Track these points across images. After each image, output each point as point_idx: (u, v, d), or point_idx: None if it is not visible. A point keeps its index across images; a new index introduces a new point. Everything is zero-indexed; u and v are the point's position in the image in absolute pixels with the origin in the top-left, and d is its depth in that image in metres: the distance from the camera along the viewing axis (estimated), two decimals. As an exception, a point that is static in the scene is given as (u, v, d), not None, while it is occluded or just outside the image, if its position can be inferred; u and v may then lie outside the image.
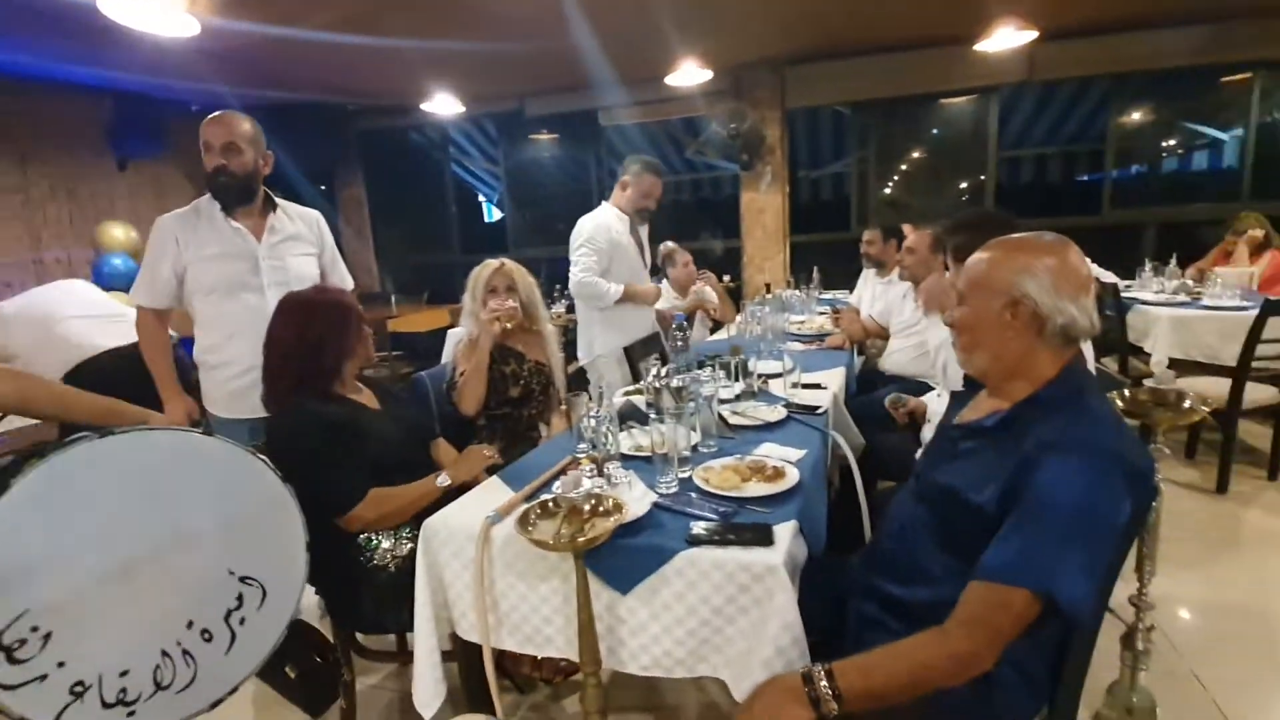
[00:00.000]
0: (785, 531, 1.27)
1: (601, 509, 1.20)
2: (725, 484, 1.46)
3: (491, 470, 1.75)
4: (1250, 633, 2.14)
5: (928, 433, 2.06)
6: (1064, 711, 1.16)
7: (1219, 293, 3.57)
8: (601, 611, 1.28)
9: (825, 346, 3.10)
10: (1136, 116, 5.35)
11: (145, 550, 1.28)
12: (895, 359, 3.06)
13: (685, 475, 1.56)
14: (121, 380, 1.88)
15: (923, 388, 2.86)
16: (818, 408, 2.05)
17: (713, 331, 3.93)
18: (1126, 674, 1.71)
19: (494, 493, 1.55)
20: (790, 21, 4.29)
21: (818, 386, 2.33)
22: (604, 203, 3.17)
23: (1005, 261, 1.13)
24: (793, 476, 1.48)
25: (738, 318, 4.01)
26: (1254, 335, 2.87)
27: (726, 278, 5.69)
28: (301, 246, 2.22)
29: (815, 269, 4.61)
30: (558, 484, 1.22)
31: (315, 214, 2.33)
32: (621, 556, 1.25)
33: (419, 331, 4.73)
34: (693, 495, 1.45)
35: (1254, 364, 2.93)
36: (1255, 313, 2.90)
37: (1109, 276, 3.94)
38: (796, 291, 4.23)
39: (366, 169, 6.87)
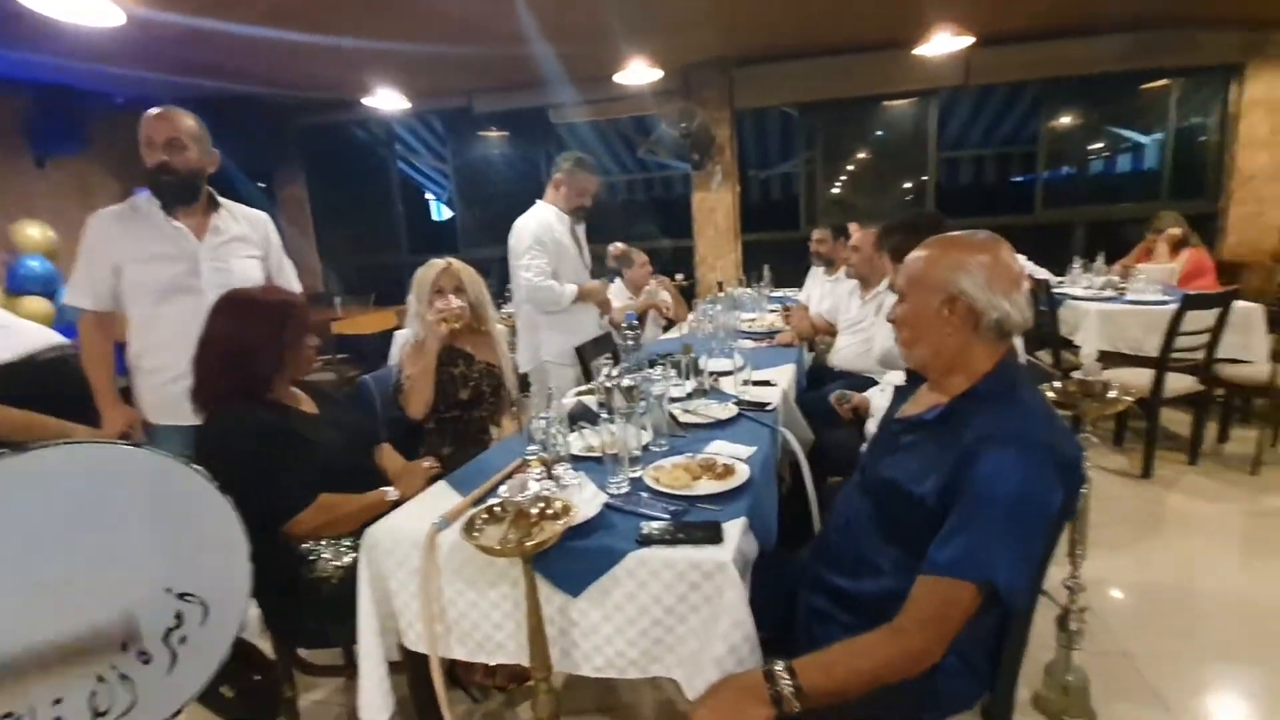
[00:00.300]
0: (735, 529, 1.28)
1: (550, 512, 1.18)
2: (676, 483, 1.46)
3: (436, 477, 1.71)
4: (1174, 609, 2.26)
5: (872, 427, 2.11)
6: (1004, 693, 1.20)
7: (1142, 288, 3.77)
8: (553, 615, 1.26)
9: (776, 344, 3.15)
10: (1066, 120, 5.60)
11: (71, 571, 1.21)
12: (843, 355, 3.12)
13: (636, 475, 1.55)
14: (18, 396, 1.77)
15: (869, 383, 2.92)
16: (768, 404, 2.07)
17: (665, 330, 3.95)
18: (1062, 654, 1.79)
19: (441, 498, 1.52)
20: (736, 23, 4.33)
21: (768, 384, 2.36)
22: (539, 202, 3.09)
23: (941, 259, 1.17)
24: (742, 474, 1.49)
25: (690, 316, 4.04)
26: (1174, 328, 3.04)
27: (679, 276, 5.73)
28: (246, 248, 2.14)
29: (766, 267, 4.68)
30: (504, 488, 1.20)
31: (263, 215, 2.26)
32: (572, 559, 1.24)
33: (365, 333, 4.61)
34: (643, 495, 1.44)
35: (1174, 355, 3.10)
36: (1175, 307, 3.07)
37: (1042, 273, 4.12)
38: (748, 290, 4.28)
39: (308, 166, 6.65)
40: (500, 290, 3.79)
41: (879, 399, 2.13)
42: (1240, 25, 4.58)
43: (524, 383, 2.96)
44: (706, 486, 1.45)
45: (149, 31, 3.79)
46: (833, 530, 1.34)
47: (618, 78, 4.81)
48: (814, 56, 5.13)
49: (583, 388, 2.44)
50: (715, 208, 5.65)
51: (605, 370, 2.11)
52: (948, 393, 1.19)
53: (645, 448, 1.72)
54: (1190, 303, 3.03)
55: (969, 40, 4.18)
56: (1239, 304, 3.21)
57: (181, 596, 1.37)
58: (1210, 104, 5.09)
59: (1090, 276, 4.17)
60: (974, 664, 1.18)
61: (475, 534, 1.12)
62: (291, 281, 2.31)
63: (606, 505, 1.37)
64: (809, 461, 1.98)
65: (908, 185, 6.26)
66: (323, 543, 1.64)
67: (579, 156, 3.04)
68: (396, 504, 1.63)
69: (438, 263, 2.28)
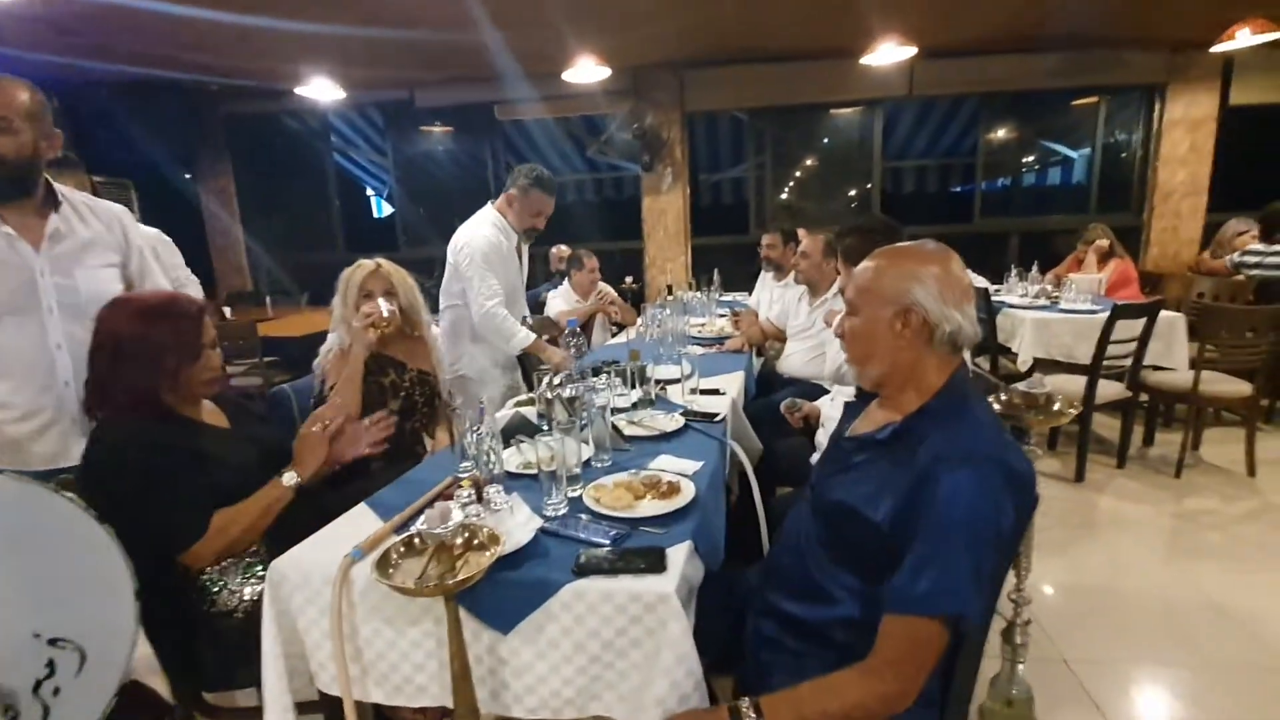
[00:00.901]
0: (679, 554, 1.19)
1: (476, 542, 1.07)
2: (617, 503, 1.37)
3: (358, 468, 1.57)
4: (1107, 611, 2.30)
5: (822, 437, 2.07)
6: (956, 716, 1.15)
7: (1073, 297, 3.90)
8: (481, 653, 1.15)
9: (725, 349, 3.10)
10: (1002, 133, 5.78)
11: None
12: (792, 361, 3.10)
13: (576, 494, 1.46)
14: None
15: (819, 390, 2.90)
16: (716, 415, 2.01)
17: (615, 335, 3.85)
18: (1006, 666, 1.77)
19: (359, 523, 1.38)
20: (685, 25, 4.28)
21: (717, 392, 2.30)
22: (490, 207, 2.81)
23: (892, 269, 1.12)
24: (688, 492, 1.41)
25: (639, 320, 3.96)
26: (1105, 336, 3.13)
27: (629, 279, 5.65)
28: (99, 255, 1.70)
29: (715, 271, 4.64)
30: (423, 518, 1.08)
31: (118, 209, 1.82)
32: (501, 593, 1.13)
33: (297, 336, 4.35)
34: (582, 518, 1.35)
35: (1105, 362, 3.19)
36: (1104, 315, 3.16)
37: (981, 281, 4.21)
38: (697, 293, 4.23)
39: (236, 157, 6.27)
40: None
41: (829, 408, 2.09)
42: (1163, 47, 4.81)
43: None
44: (650, 507, 1.36)
45: (52, 7, 3.48)
46: (782, 552, 1.27)
47: (566, 75, 4.69)
48: (764, 62, 5.14)
49: (522, 397, 2.33)
50: (666, 210, 5.60)
51: (546, 379, 2.03)
52: (900, 410, 1.14)
53: (586, 463, 1.63)
54: (1120, 312, 3.13)
55: (912, 50, 4.23)
56: (1163, 313, 3.34)
57: (53, 643, 1.21)
58: (1135, 122, 5.33)
59: (1025, 285, 4.28)
60: (928, 691, 1.12)
61: (390, 571, 1.01)
62: (162, 285, 1.89)
63: (541, 530, 1.27)
64: (758, 470, 1.92)
65: (853, 192, 6.35)
66: (226, 571, 1.48)
67: (539, 174, 2.74)
68: (302, 490, 1.50)
69: (366, 264, 2.13)
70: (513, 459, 1.67)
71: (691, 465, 1.61)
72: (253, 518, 1.49)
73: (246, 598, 1.44)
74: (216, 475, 1.48)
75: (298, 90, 4.89)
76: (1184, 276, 4.80)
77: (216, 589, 1.44)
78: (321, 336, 2.23)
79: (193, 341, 1.51)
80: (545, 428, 1.91)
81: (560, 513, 1.37)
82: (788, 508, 1.79)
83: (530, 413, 2.02)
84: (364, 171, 6.93)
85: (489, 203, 2.83)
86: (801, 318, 3.10)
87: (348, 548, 1.21)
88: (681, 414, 2.01)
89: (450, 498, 1.42)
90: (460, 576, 0.97)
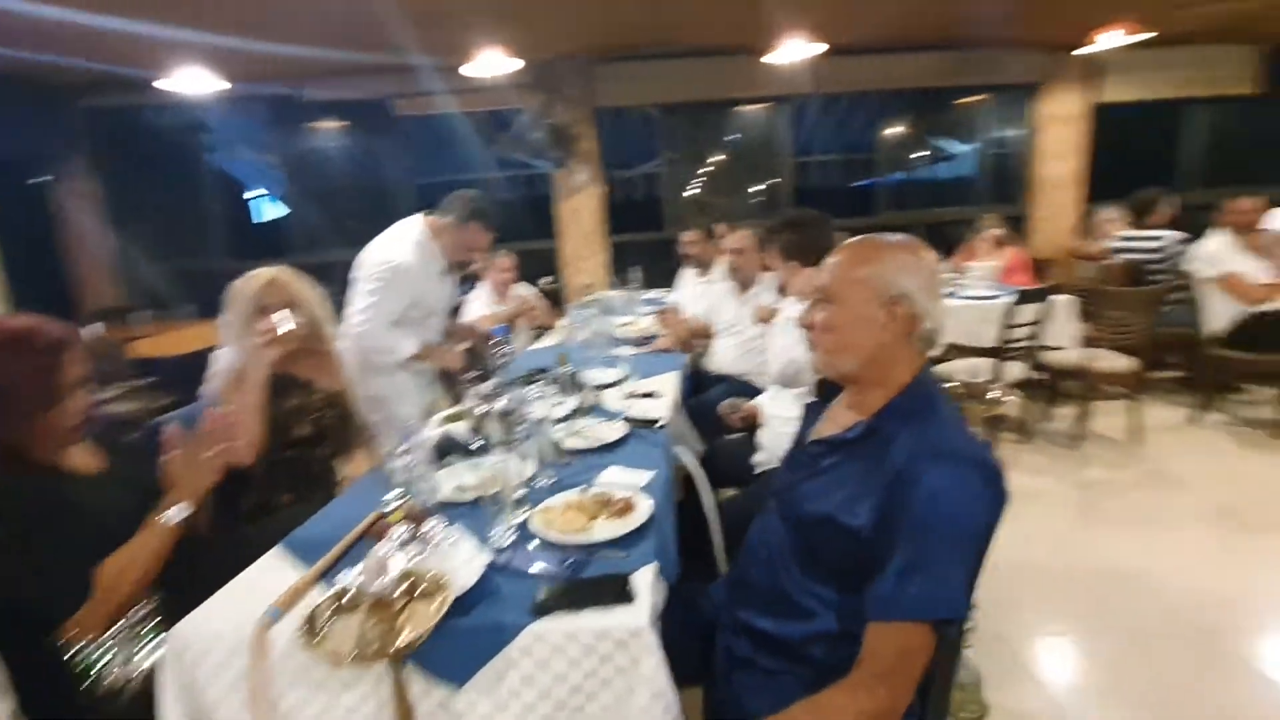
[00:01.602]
0: (645, 580, 1.11)
1: (419, 590, 0.94)
2: (570, 527, 1.27)
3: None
4: (1028, 583, 2.41)
5: (764, 436, 2.04)
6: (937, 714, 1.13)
7: (973, 284, 4.10)
8: (433, 710, 1.02)
9: (654, 349, 3.03)
10: (899, 130, 6.04)
11: None
12: (722, 358, 3.08)
13: (522, 517, 1.34)
14: None
15: (751, 387, 2.90)
16: (658, 421, 1.93)
17: (536, 339, 3.70)
18: (955, 651, 1.80)
19: (273, 573, 1.21)
20: (592, 19, 4.18)
21: (653, 395, 2.22)
22: (419, 223, 2.45)
23: (883, 259, 1.07)
24: (644, 509, 1.33)
25: (561, 322, 3.84)
26: (1009, 320, 3.30)
27: (546, 279, 5.49)
28: None
29: (638, 269, 4.56)
30: (357, 570, 0.93)
31: None
32: (452, 642, 1.00)
33: (181, 354, 3.91)
34: (532, 547, 1.23)
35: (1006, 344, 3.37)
36: (1004, 300, 3.34)
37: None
38: (620, 292, 4.14)
39: (98, 157, 5.58)
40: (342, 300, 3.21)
41: (771, 406, 2.06)
42: (1038, 49, 5.16)
43: None
44: (606, 528, 1.26)
45: None
46: (751, 566, 1.21)
47: (471, 69, 4.48)
48: (674, 58, 5.11)
49: (447, 412, 2.16)
50: (580, 208, 5.48)
51: (475, 391, 1.88)
52: (867, 408, 1.10)
53: (528, 482, 1.50)
54: (1025, 297, 3.31)
55: (819, 48, 4.33)
56: (1055, 297, 3.57)
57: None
58: (1016, 119, 5.70)
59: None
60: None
61: (321, 637, 0.86)
62: None
63: (490, 566, 1.14)
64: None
65: (763, 187, 6.47)
66: (113, 638, 1.26)
67: (481, 205, 2.42)
68: (191, 524, 1.29)
69: (262, 273, 1.89)
70: (445, 483, 1.52)
71: (642, 476, 1.53)
72: (136, 565, 1.27)
73: (139, 668, 1.22)
74: (92, 529, 1.25)
75: (168, 82, 4.40)
76: (1066, 262, 5.19)
77: (102, 663, 1.22)
78: (206, 353, 1.98)
79: (51, 383, 1.26)
80: (478, 446, 1.77)
81: (507, 542, 1.25)
82: (736, 511, 1.76)
83: (460, 430, 1.87)
84: (247, 172, 6.37)
85: (419, 216, 2.50)
86: (729, 314, 3.09)
87: (262, 604, 1.04)
88: (623, 421, 1.92)
89: (380, 535, 1.27)
90: (407, 638, 0.84)
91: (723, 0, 3.98)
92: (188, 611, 1.10)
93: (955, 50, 5.13)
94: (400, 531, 1.13)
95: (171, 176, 5.79)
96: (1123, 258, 4.39)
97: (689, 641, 1.24)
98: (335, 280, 2.84)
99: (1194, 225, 4.37)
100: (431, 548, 1.13)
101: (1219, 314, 3.64)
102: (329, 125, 5.89)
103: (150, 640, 1.26)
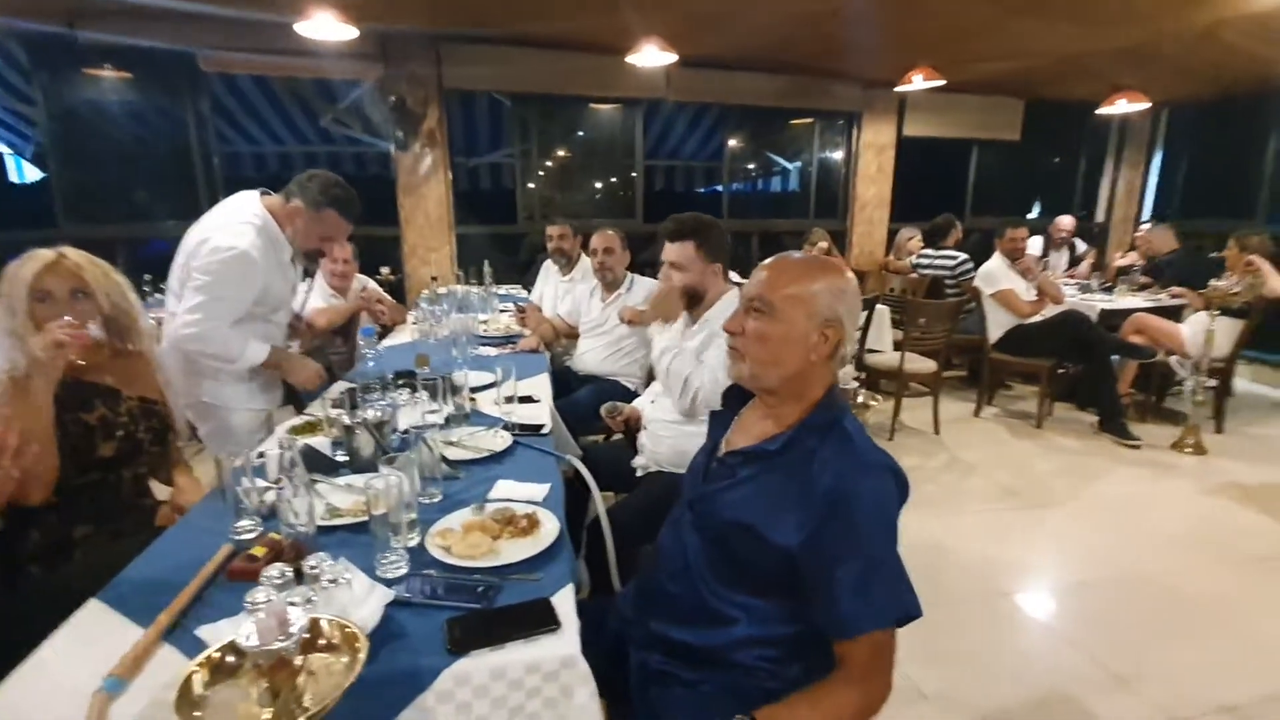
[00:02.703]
0: (566, 602, 1.05)
1: (322, 641, 0.80)
2: (474, 550, 1.16)
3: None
4: (933, 566, 2.65)
5: (645, 439, 2.04)
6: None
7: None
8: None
9: (518, 350, 2.92)
10: (739, 143, 6.41)
11: None
12: (587, 359, 3.04)
13: (414, 542, 1.21)
14: None
15: (619, 387, 2.91)
16: (542, 427, 1.86)
17: (382, 337, 3.40)
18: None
19: (99, 632, 0.97)
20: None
21: (530, 399, 2.14)
22: (257, 202, 2.08)
23: (822, 280, 1.09)
24: (551, 524, 1.26)
25: (410, 317, 3.57)
26: (866, 326, 3.66)
27: (385, 269, 5.09)
28: None
29: (486, 263, 4.37)
30: (248, 630, 0.76)
31: None
32: (359, 695, 0.86)
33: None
34: (433, 574, 1.12)
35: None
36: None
37: (735, 278, 4.63)
38: (474, 288, 3.95)
39: None
40: (139, 286, 2.65)
41: (651, 410, 2.07)
42: (859, 83, 5.76)
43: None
44: (514, 549, 1.18)
45: None
46: (664, 578, 1.19)
47: (299, 27, 3.98)
48: (529, 46, 4.96)
49: (298, 422, 1.90)
50: (426, 194, 5.13)
51: (335, 398, 1.68)
52: (783, 421, 1.13)
53: (413, 501, 1.36)
54: (872, 301, 3.67)
55: (671, 58, 4.44)
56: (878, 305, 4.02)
57: None
58: (840, 142, 6.31)
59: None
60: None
61: (197, 710, 0.70)
62: None
63: (394, 602, 1.01)
64: (577, 475, 1.80)
65: (612, 185, 6.54)
66: None
67: (341, 192, 2.11)
68: None
69: (42, 254, 1.52)
70: (314, 506, 1.33)
71: (538, 489, 1.45)
72: None
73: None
74: None
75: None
76: (878, 274, 5.85)
77: None
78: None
79: None
80: (341, 459, 1.58)
81: (401, 572, 1.12)
82: (626, 518, 1.74)
83: (320, 443, 1.65)
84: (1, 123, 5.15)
85: (255, 194, 2.11)
86: (595, 313, 3.07)
87: (92, 674, 0.83)
88: (504, 429, 1.82)
89: (243, 576, 1.08)
90: (314, 704, 0.71)
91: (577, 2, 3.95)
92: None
93: (789, 75, 5.55)
94: (275, 571, 0.96)
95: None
96: (923, 273, 5.05)
97: (596, 660, 1.20)
98: (116, 261, 2.36)
99: (966, 246, 5.18)
100: (321, 589, 0.96)
101: (998, 323, 4.31)
102: (110, 74, 4.93)
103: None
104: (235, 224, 1.98)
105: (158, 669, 0.88)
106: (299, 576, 0.99)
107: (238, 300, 1.98)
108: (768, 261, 1.16)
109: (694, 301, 1.95)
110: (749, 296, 1.13)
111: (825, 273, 1.11)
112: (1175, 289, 4.52)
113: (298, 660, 0.75)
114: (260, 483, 1.34)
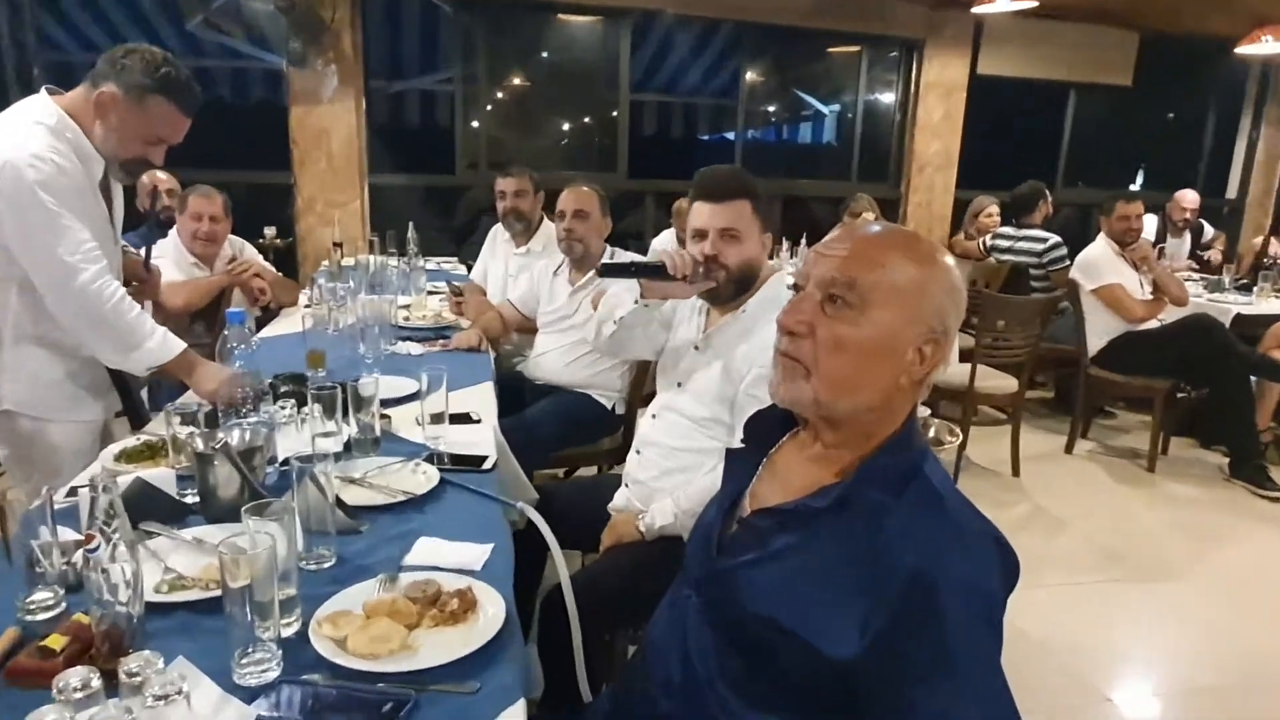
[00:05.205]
0: (516, 724, 0.96)
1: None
2: (380, 646, 1.07)
3: None
4: (1006, 658, 2.59)
5: (635, 466, 1.98)
6: None
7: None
8: None
9: (452, 347, 2.83)
10: (758, 76, 6.40)
11: None
12: (548, 363, 2.97)
13: (291, 630, 1.11)
14: None
15: (587, 400, 2.84)
16: (485, 459, 1.78)
17: (262, 324, 3.30)
18: None
19: None
20: None
21: (467, 418, 2.06)
22: (45, 102, 1.93)
23: (931, 269, 1.01)
24: (494, 606, 1.18)
25: (301, 298, 3.47)
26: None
27: (270, 231, 5.01)
28: None
29: (410, 226, 4.26)
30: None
31: None
32: None
33: None
34: (319, 681, 1.02)
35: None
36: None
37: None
38: (393, 259, 3.85)
39: None
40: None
41: (650, 427, 2.01)
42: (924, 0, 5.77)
43: None
44: (439, 644, 1.09)
45: None
46: (658, 689, 1.11)
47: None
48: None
49: (133, 443, 1.81)
50: (330, 128, 5.06)
51: (185, 413, 1.60)
52: (838, 466, 1.04)
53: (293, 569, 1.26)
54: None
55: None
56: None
57: None
58: (893, 80, 6.32)
59: (795, 263, 4.79)
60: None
61: None
62: None
63: (254, 725, 0.92)
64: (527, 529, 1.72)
65: (568, 125, 6.49)
66: None
67: (171, 71, 1.92)
68: None
69: None
70: (148, 572, 1.22)
71: (475, 552, 1.37)
72: None
73: None
74: None
75: None
76: (942, 258, 5.85)
77: None
78: None
79: None
80: (192, 505, 1.49)
81: (270, 677, 1.02)
82: (600, 590, 1.66)
83: (161, 477, 1.54)
84: None
85: (40, 92, 1.96)
86: (560, 300, 3.02)
87: None
88: (429, 460, 1.73)
89: (28, 678, 0.98)
90: None
91: None
92: None
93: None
94: (76, 679, 0.85)
95: None
96: (1000, 258, 5.05)
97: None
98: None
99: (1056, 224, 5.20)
100: (146, 707, 0.86)
101: (1099, 329, 4.30)
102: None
103: None
104: (20, 128, 1.83)
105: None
106: (112, 685, 0.89)
107: (81, 225, 1.84)
108: (846, 229, 1.08)
109: (743, 287, 1.85)
110: (825, 279, 1.00)
111: (934, 259, 1.02)
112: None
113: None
114: (70, 535, 1.25)
